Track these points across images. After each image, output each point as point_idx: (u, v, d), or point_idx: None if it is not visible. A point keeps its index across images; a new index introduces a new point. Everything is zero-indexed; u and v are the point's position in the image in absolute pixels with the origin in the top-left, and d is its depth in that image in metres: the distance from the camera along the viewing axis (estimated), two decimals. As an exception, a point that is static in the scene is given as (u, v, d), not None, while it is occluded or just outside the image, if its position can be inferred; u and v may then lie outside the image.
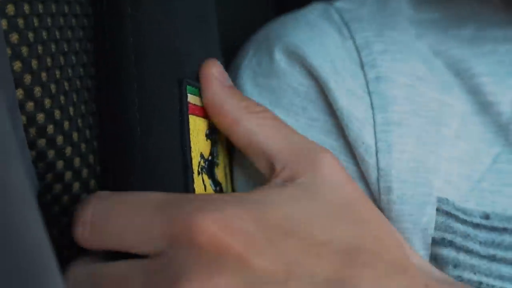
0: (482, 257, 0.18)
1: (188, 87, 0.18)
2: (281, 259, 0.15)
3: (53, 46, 0.17)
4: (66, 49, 0.18)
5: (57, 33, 0.17)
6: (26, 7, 0.16)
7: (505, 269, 0.17)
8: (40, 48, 0.16)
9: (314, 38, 0.20)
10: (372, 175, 0.18)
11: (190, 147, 0.18)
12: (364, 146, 0.18)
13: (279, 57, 0.20)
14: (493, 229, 0.18)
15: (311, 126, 0.20)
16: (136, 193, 0.17)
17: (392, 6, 0.21)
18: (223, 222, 0.15)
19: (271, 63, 0.20)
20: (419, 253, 0.18)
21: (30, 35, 0.16)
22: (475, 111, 0.19)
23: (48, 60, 0.17)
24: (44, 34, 0.17)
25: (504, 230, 0.18)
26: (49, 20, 0.17)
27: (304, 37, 0.20)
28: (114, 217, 0.16)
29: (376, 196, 0.18)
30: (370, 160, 0.18)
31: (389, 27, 0.20)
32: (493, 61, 0.20)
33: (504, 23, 0.20)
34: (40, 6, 0.16)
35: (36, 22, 0.16)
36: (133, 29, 0.18)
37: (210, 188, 0.19)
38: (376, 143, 0.18)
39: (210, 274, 0.14)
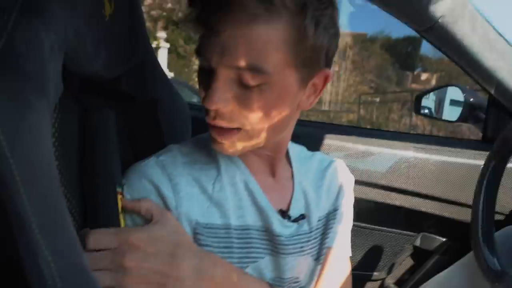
0: (202, 235, 0.53)
1: (117, 186, 0.50)
2: (151, 250, 0.47)
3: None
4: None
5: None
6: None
7: (215, 239, 0.54)
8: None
9: (153, 173, 0.53)
10: (176, 216, 0.52)
11: (118, 205, 0.49)
12: (174, 210, 0.52)
13: (144, 181, 0.53)
14: (205, 227, 0.53)
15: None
16: (104, 230, 0.47)
17: (176, 158, 0.56)
18: (136, 239, 0.47)
19: (140, 184, 0.53)
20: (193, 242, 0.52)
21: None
22: (196, 189, 0.55)
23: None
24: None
25: (212, 228, 0.54)
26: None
27: (150, 172, 0.53)
28: (100, 236, 0.46)
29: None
30: (176, 212, 0.52)
31: (177, 166, 0.55)
32: (207, 176, 0.56)
33: (210, 162, 0.57)
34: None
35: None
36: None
37: (122, 219, 0.50)
38: (176, 206, 0.52)
39: (130, 254, 0.46)
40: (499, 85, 0.91)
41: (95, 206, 0.48)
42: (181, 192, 0.53)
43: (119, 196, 0.50)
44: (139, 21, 0.62)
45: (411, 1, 0.78)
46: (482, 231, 0.70)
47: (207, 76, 0.49)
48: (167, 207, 0.52)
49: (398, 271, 1.12)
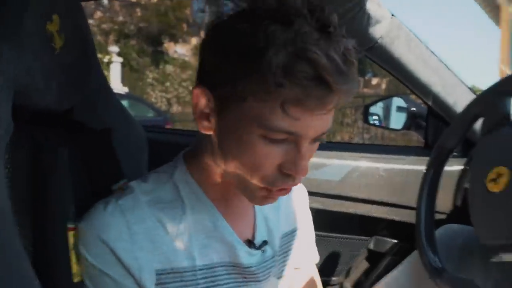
0: (167, 284, 0.53)
1: (68, 222, 0.50)
2: None
3: None
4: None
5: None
6: None
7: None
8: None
9: (109, 229, 0.51)
10: (136, 275, 0.50)
11: (70, 241, 0.49)
12: (133, 261, 0.50)
13: (99, 244, 0.50)
14: (170, 273, 0.53)
15: (114, 263, 0.50)
16: None
17: (139, 200, 0.53)
18: None
19: (96, 248, 0.50)
20: None
21: None
22: (160, 231, 0.53)
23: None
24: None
25: (178, 272, 0.53)
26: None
27: (106, 227, 0.51)
28: None
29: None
30: (136, 263, 0.51)
31: (139, 208, 0.52)
32: (171, 216, 0.54)
33: (174, 200, 0.55)
34: None
35: None
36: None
37: (73, 255, 0.50)
38: (136, 257, 0.50)
39: None
40: (435, 98, 1.00)
41: (45, 243, 0.48)
42: (140, 242, 0.51)
43: (71, 232, 0.50)
44: (90, 49, 0.62)
45: (352, 24, 0.85)
46: (424, 231, 0.76)
47: (279, 146, 0.48)
48: (123, 263, 0.51)
49: (355, 274, 1.18)
